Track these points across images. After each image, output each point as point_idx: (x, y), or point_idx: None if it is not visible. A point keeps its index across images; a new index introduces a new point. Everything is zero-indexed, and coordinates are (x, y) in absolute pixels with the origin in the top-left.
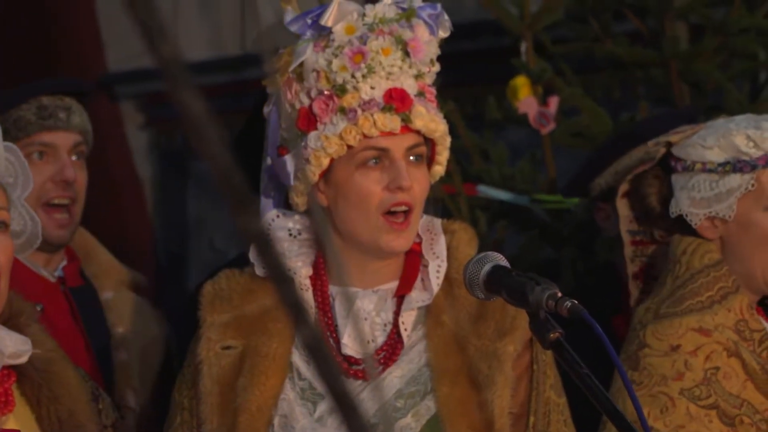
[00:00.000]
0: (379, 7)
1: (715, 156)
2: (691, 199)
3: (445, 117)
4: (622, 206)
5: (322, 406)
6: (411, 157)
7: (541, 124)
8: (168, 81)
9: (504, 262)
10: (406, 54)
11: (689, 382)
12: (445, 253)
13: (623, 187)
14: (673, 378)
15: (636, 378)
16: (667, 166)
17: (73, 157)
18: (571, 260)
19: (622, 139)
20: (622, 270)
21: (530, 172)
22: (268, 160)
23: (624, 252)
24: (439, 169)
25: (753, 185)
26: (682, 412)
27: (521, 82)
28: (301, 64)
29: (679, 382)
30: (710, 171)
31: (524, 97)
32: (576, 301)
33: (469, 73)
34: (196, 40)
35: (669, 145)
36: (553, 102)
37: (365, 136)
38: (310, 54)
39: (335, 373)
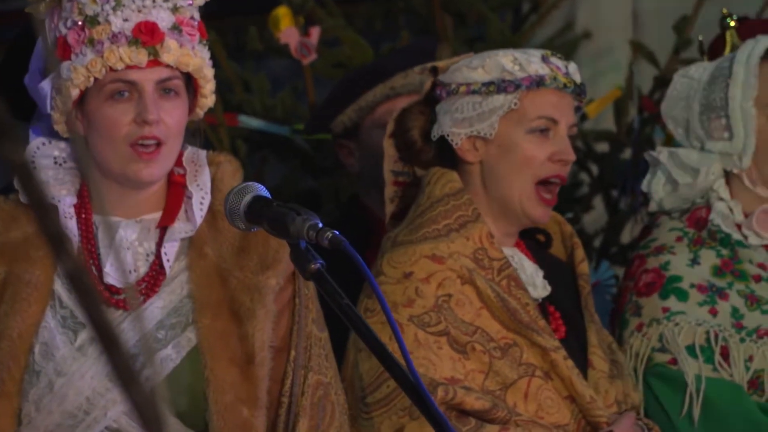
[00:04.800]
0: None
1: (480, 76)
2: (454, 120)
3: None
4: (388, 146)
5: (83, 335)
6: (162, 90)
7: (303, 54)
8: None
9: (265, 192)
10: None
11: (419, 308)
12: (209, 185)
13: (390, 126)
14: (403, 305)
15: (370, 305)
16: (433, 99)
17: None
18: (333, 191)
19: (362, 75)
20: (368, 205)
21: (291, 102)
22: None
23: (385, 192)
24: (206, 102)
25: (516, 104)
26: (410, 339)
27: (283, 13)
28: None
29: (408, 309)
30: (474, 92)
31: (285, 27)
32: (337, 232)
33: (230, 3)
34: None
35: (435, 72)
36: (315, 32)
37: (112, 69)
38: None
39: (96, 302)
